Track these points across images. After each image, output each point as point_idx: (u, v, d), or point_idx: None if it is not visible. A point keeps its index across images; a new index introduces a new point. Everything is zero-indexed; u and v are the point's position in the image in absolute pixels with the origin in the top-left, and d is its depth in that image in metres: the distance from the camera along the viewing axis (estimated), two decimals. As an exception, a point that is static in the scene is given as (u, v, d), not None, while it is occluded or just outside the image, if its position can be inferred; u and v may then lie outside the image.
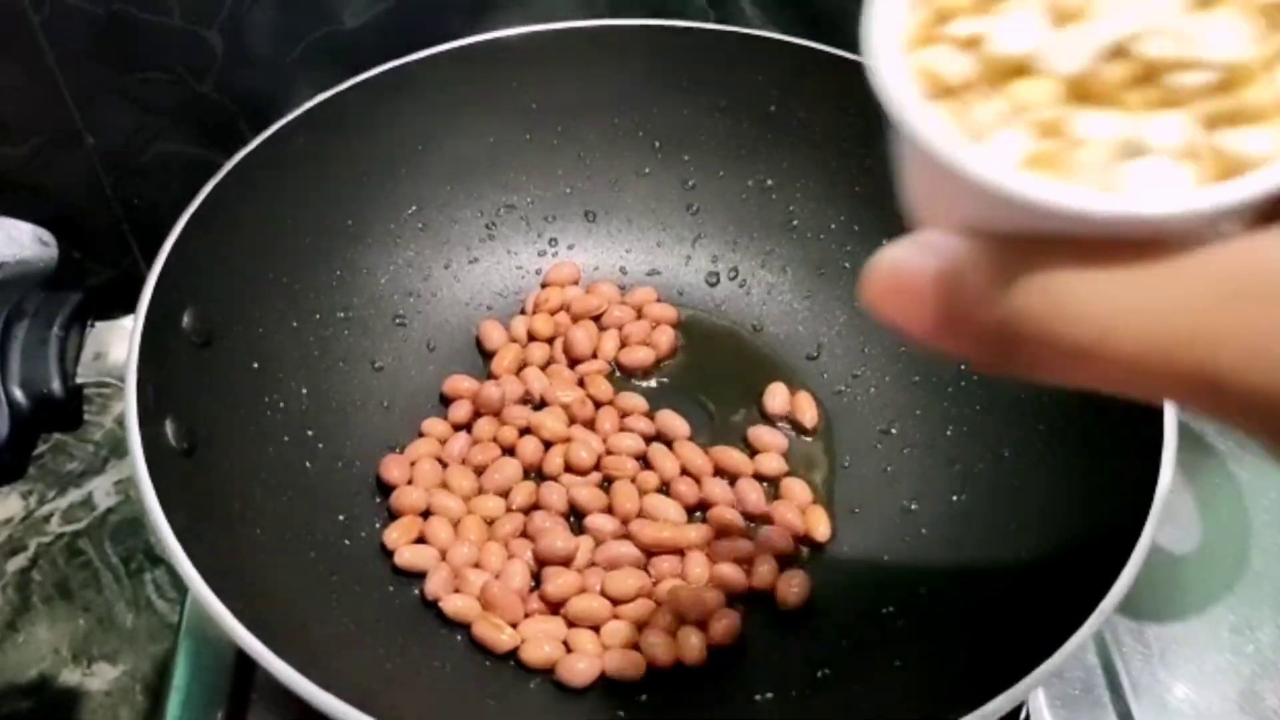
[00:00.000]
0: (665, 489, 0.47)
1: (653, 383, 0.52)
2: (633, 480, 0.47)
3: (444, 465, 0.48)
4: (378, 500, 0.47)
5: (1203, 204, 0.16)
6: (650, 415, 0.50)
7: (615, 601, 0.43)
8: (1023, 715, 0.43)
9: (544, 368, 0.51)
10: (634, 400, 0.50)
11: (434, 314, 0.53)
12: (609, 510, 0.46)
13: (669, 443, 0.49)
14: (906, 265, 0.18)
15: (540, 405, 0.50)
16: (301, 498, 0.44)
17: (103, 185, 0.61)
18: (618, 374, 0.52)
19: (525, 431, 0.49)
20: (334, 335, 0.49)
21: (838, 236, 0.54)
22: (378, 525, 0.46)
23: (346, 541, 0.44)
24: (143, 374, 0.38)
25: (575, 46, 0.52)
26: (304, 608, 0.40)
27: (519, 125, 0.53)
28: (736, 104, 0.53)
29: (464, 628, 0.42)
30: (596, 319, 0.53)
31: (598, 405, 0.50)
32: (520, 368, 0.51)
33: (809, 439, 0.50)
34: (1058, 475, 0.43)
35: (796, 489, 0.47)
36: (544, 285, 0.54)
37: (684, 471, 0.48)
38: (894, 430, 0.49)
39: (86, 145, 0.59)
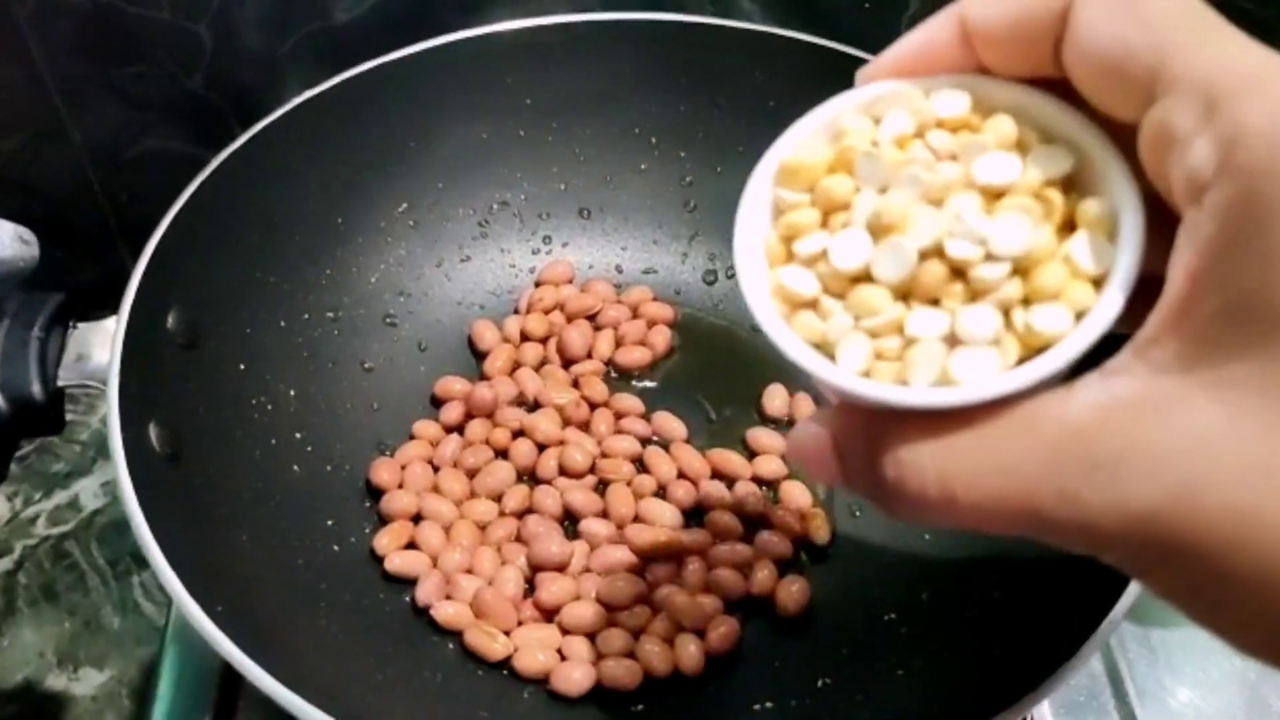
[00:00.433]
0: (662, 492, 0.47)
1: (649, 383, 0.52)
2: (628, 484, 0.47)
3: (435, 468, 0.47)
4: (367, 505, 0.46)
5: (996, 389, 0.20)
6: (646, 417, 0.49)
7: (610, 608, 0.42)
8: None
9: (538, 368, 0.51)
10: (630, 401, 0.50)
11: (425, 313, 0.52)
12: (604, 514, 0.46)
13: (666, 445, 0.48)
14: (811, 438, 0.23)
15: (534, 407, 0.49)
16: (289, 502, 0.43)
17: (90, 182, 0.60)
18: (613, 375, 0.52)
19: (518, 434, 0.48)
20: (323, 336, 0.49)
21: (837, 235, 0.53)
22: (367, 530, 0.45)
23: (335, 547, 0.44)
24: (125, 377, 0.38)
25: (570, 41, 0.52)
26: (291, 616, 0.39)
27: (512, 121, 0.53)
28: (735, 100, 0.53)
29: (456, 636, 0.42)
30: (591, 318, 0.52)
31: (593, 407, 0.49)
32: (513, 368, 0.51)
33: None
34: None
35: (796, 492, 0.47)
36: (538, 284, 0.54)
37: (681, 474, 0.47)
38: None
39: (73, 141, 0.59)
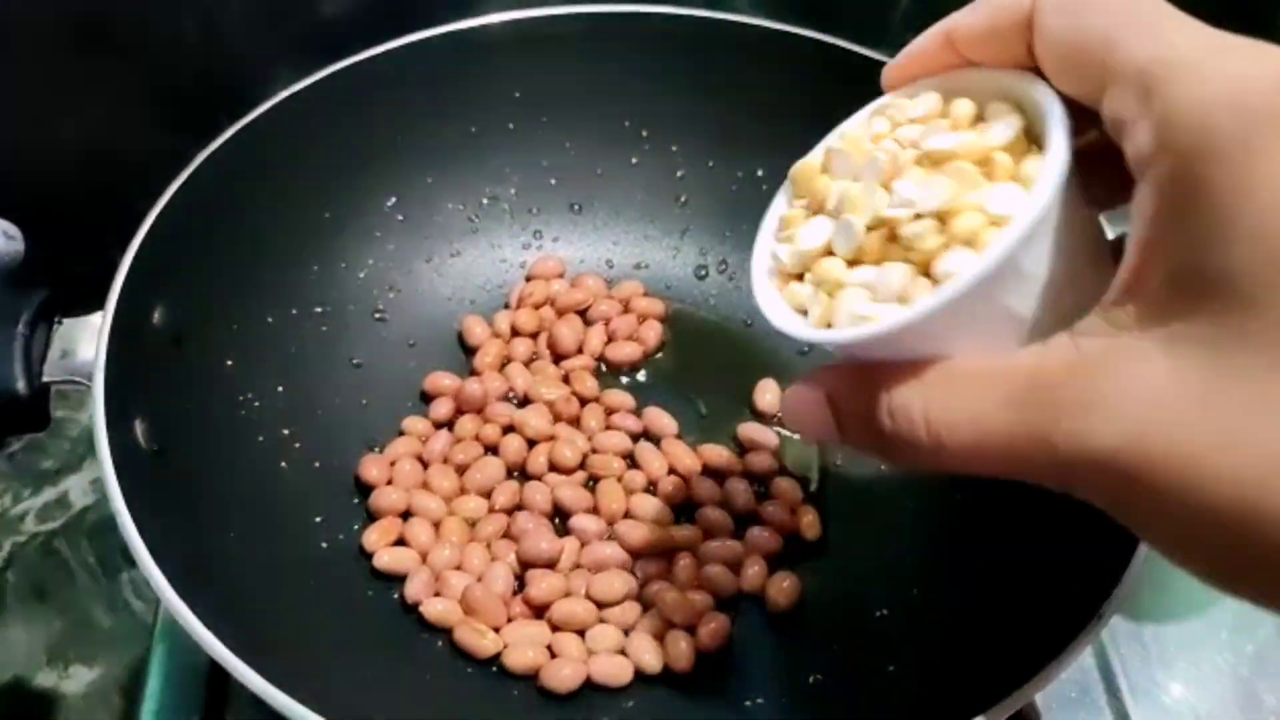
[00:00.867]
0: (652, 488, 0.46)
1: (640, 378, 0.51)
2: (619, 480, 0.46)
3: (425, 465, 0.47)
4: (356, 501, 0.46)
5: (898, 319, 0.23)
6: (637, 412, 0.49)
7: (601, 605, 0.42)
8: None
9: (528, 364, 0.50)
10: (620, 397, 0.49)
11: (415, 309, 0.52)
12: (594, 511, 0.45)
13: (656, 441, 0.48)
14: (807, 399, 0.26)
15: (524, 402, 0.49)
16: (277, 500, 0.43)
17: (76, 177, 0.60)
18: (604, 370, 0.51)
19: (508, 430, 0.48)
20: (311, 331, 0.48)
21: (829, 229, 0.53)
22: (356, 527, 0.44)
23: (324, 544, 0.43)
24: (111, 373, 0.38)
25: (560, 34, 0.51)
26: (279, 614, 0.39)
27: (502, 114, 0.53)
28: (727, 93, 0.53)
29: (445, 633, 0.42)
30: (582, 313, 0.52)
31: (583, 402, 0.49)
32: (503, 364, 0.50)
33: (800, 436, 0.49)
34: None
35: (787, 488, 0.47)
36: (528, 279, 0.53)
37: (672, 470, 0.47)
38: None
39: (60, 136, 0.58)
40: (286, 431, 0.45)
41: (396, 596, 0.43)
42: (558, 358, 0.51)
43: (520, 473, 0.47)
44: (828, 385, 0.25)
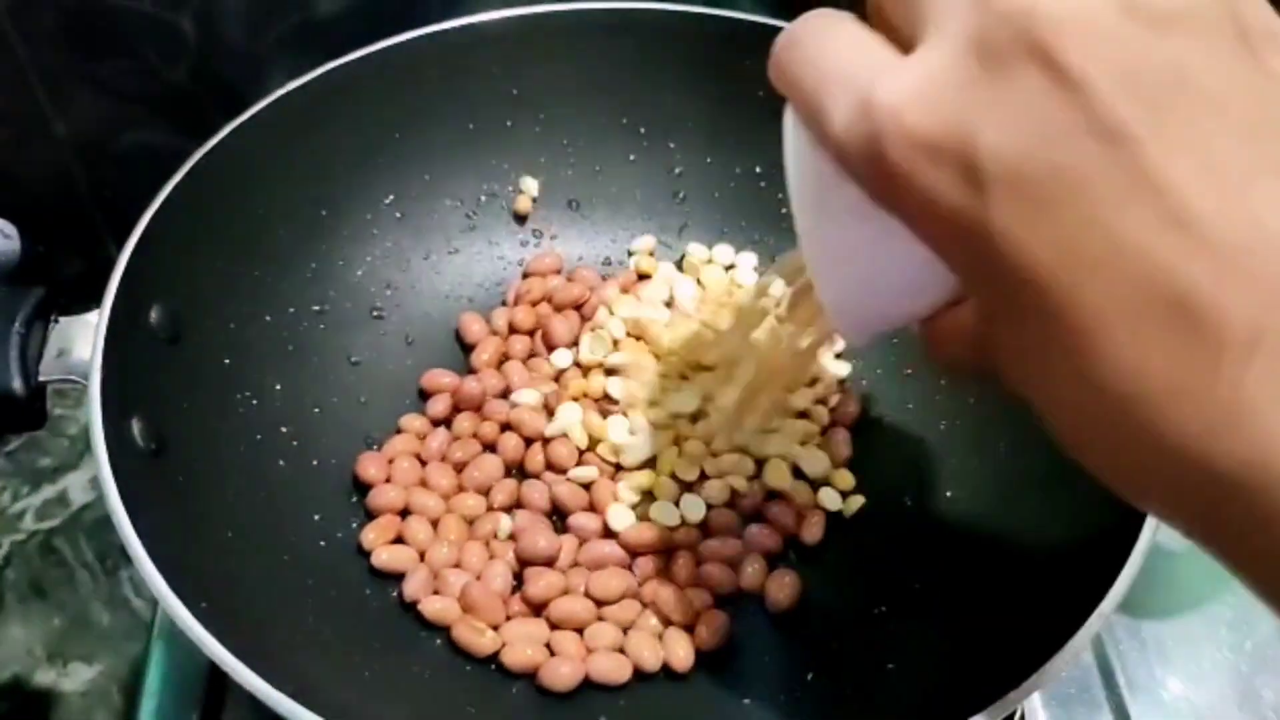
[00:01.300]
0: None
1: (638, 376, 0.51)
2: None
3: (423, 463, 0.47)
4: (354, 499, 0.46)
5: None
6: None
7: (599, 603, 0.42)
8: (1017, 713, 0.43)
9: (525, 361, 0.50)
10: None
11: (412, 306, 0.52)
12: (592, 508, 0.45)
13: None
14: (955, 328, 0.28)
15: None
16: (275, 498, 0.43)
17: (72, 175, 0.60)
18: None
19: (506, 427, 0.47)
20: (308, 329, 0.48)
21: (827, 225, 0.53)
22: (354, 525, 0.44)
23: (322, 543, 0.43)
24: (107, 372, 0.37)
25: (557, 31, 0.51)
26: (277, 613, 0.39)
27: (499, 112, 0.52)
28: (725, 89, 0.52)
29: (443, 631, 0.42)
30: (579, 308, 0.52)
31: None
32: (501, 361, 0.50)
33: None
34: (1054, 471, 0.42)
35: (797, 491, 0.46)
36: (526, 276, 0.53)
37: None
38: (885, 425, 0.48)
39: (55, 134, 0.58)
40: (284, 430, 0.45)
41: (395, 595, 0.43)
42: (552, 351, 0.50)
43: (518, 470, 0.47)
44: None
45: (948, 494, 0.45)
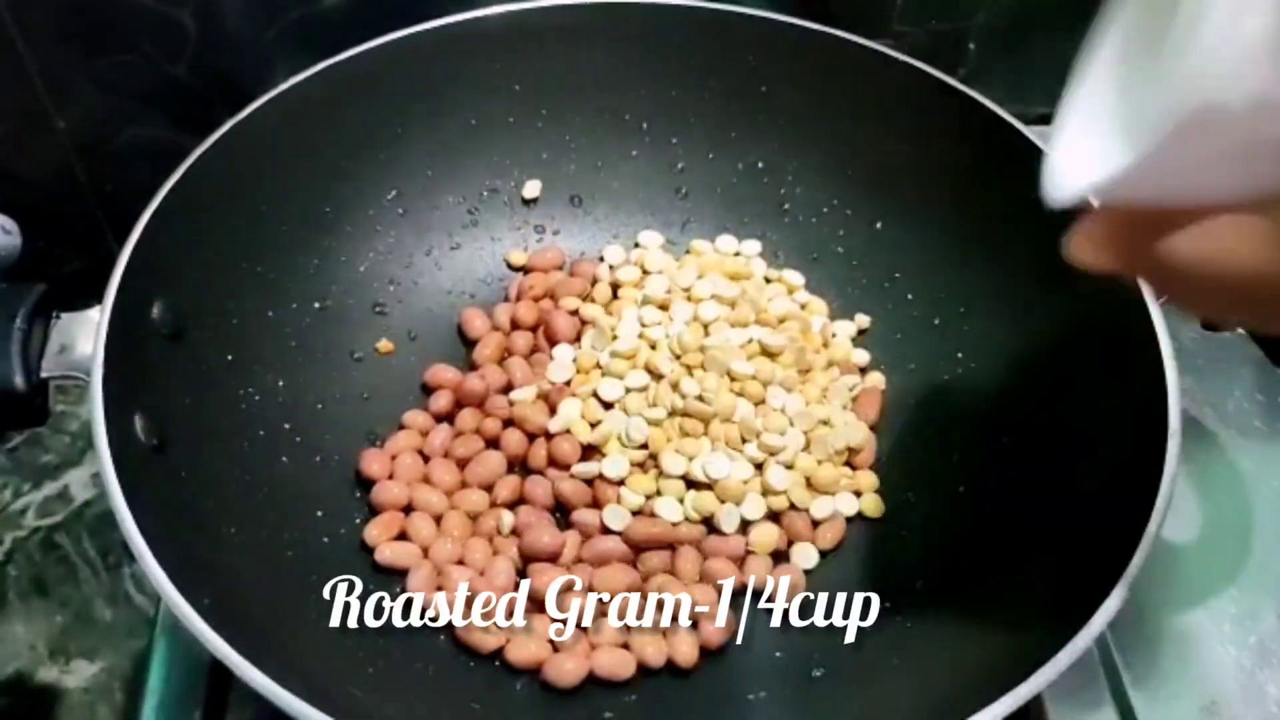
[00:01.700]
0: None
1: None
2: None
3: (425, 459, 0.47)
4: (357, 496, 0.46)
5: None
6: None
7: (603, 599, 0.42)
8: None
9: (528, 356, 0.50)
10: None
11: (415, 302, 0.52)
12: (595, 504, 0.45)
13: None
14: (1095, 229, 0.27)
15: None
16: (277, 494, 0.43)
17: (74, 170, 0.60)
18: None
19: (509, 423, 0.47)
20: (311, 325, 0.48)
21: (830, 220, 0.53)
22: (357, 522, 0.44)
23: (325, 539, 0.43)
24: (109, 368, 0.37)
25: (560, 25, 0.51)
26: (280, 609, 0.39)
27: (502, 107, 0.52)
28: (727, 84, 0.53)
29: (447, 627, 0.41)
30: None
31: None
32: (503, 356, 0.50)
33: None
34: (1059, 466, 0.42)
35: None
36: (527, 271, 0.53)
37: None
38: (889, 418, 0.48)
39: (57, 130, 0.58)
40: (287, 426, 0.45)
41: (399, 591, 0.42)
42: (554, 346, 0.50)
43: (521, 466, 0.47)
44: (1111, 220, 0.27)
45: (952, 489, 0.45)
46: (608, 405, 0.47)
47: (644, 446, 0.46)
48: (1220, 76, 0.21)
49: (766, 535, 0.44)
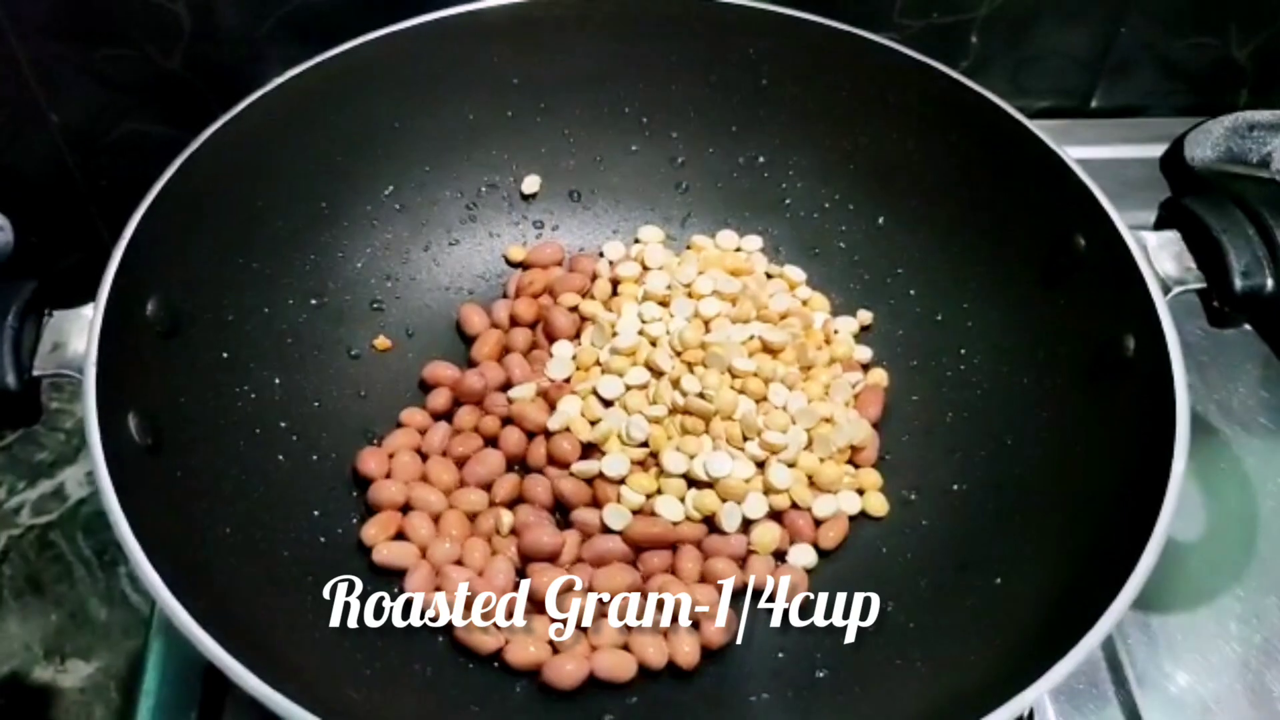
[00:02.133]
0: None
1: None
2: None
3: (424, 457, 0.46)
4: (354, 495, 0.45)
5: None
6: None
7: (604, 599, 0.42)
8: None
9: (527, 353, 0.50)
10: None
11: (413, 299, 0.51)
12: (595, 503, 0.45)
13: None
14: None
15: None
16: (274, 494, 0.42)
17: (67, 165, 0.60)
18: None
19: (507, 421, 0.47)
20: (308, 322, 0.48)
21: (832, 215, 0.53)
22: (354, 521, 0.44)
23: (322, 539, 0.43)
24: (103, 366, 0.37)
25: (558, 19, 0.51)
26: (276, 611, 0.38)
27: (500, 101, 0.52)
28: (727, 78, 0.52)
29: (445, 628, 0.41)
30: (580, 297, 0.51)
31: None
32: (502, 353, 0.50)
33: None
34: (1062, 464, 0.42)
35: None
36: (526, 267, 0.53)
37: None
38: (891, 416, 0.48)
39: (50, 124, 0.58)
40: (283, 424, 0.45)
41: (396, 591, 0.42)
42: (553, 343, 0.50)
43: (520, 465, 0.46)
44: None
45: (953, 486, 0.45)
46: (608, 403, 0.47)
47: (644, 445, 0.46)
48: None
49: (768, 534, 0.44)
